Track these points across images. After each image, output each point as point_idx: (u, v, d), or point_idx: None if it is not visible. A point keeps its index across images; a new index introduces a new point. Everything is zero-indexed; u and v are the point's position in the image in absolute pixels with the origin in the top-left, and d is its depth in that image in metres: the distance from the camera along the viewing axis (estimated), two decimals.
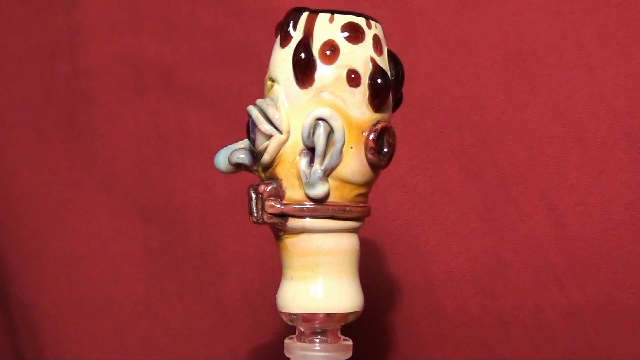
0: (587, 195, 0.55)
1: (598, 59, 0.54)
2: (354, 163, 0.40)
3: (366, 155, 0.40)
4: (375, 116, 0.40)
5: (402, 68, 0.41)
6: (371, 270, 0.59)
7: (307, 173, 0.39)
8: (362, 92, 0.39)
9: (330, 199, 0.40)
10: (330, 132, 0.39)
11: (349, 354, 0.42)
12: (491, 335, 0.57)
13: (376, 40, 0.40)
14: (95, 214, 0.66)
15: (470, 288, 0.57)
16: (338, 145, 0.39)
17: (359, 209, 0.41)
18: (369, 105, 0.39)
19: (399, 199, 0.59)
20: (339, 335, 0.42)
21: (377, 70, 0.39)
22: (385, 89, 0.39)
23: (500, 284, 0.57)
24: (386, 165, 0.41)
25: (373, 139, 0.39)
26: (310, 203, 0.40)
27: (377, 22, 0.41)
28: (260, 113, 0.39)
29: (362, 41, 0.39)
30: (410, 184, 0.59)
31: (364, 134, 0.39)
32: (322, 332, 0.42)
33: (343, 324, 0.42)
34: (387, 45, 0.41)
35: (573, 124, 0.55)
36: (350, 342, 0.42)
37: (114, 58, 0.65)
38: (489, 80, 0.57)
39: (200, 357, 0.64)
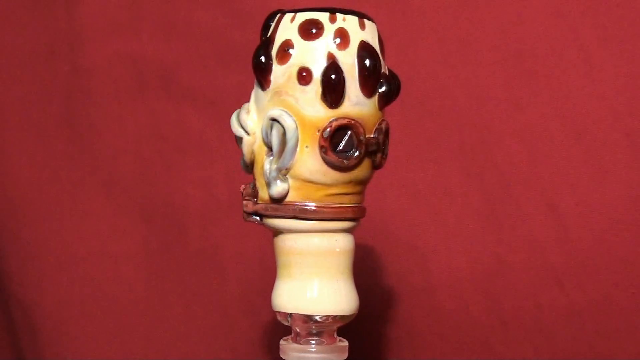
0: (587, 195, 0.55)
1: (598, 59, 0.54)
2: (310, 162, 0.39)
3: (320, 154, 0.39)
4: (332, 113, 0.39)
5: (379, 60, 0.39)
6: (371, 270, 0.59)
7: (267, 173, 0.40)
8: (315, 89, 0.39)
9: (292, 199, 0.40)
10: (285, 132, 0.39)
11: (345, 355, 0.42)
12: (491, 335, 0.57)
13: (340, 34, 0.39)
14: (95, 214, 0.66)
15: (470, 288, 0.57)
16: (289, 145, 0.39)
17: (327, 209, 0.40)
18: (322, 102, 0.39)
19: (399, 199, 0.59)
20: (335, 336, 0.42)
21: (329, 66, 0.38)
22: (338, 85, 0.38)
23: (500, 284, 0.57)
24: (354, 166, 0.39)
25: (324, 137, 0.39)
26: (273, 203, 0.40)
27: (355, 14, 0.40)
28: (236, 116, 0.41)
29: (319, 37, 0.39)
30: (410, 184, 0.59)
31: (318, 132, 0.39)
32: (318, 333, 0.41)
33: (339, 325, 0.42)
34: (373, 39, 0.40)
35: (573, 124, 0.55)
36: (345, 343, 0.42)
37: (114, 58, 0.65)
38: (489, 80, 0.57)
39: (200, 357, 0.64)
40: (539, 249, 0.56)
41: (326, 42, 0.39)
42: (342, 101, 0.39)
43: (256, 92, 0.40)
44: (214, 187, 0.63)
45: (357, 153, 0.39)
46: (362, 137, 0.39)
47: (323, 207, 0.40)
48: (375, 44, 0.40)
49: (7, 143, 0.68)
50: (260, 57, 0.39)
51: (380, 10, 0.58)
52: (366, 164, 0.40)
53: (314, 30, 0.39)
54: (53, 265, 0.66)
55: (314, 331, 0.41)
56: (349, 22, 0.39)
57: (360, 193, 0.41)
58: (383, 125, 0.40)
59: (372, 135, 0.40)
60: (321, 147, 0.39)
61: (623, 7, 0.54)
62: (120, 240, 0.65)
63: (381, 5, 0.58)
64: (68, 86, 0.67)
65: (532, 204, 0.56)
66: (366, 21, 0.40)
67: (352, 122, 0.39)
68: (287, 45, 0.39)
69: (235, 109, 0.41)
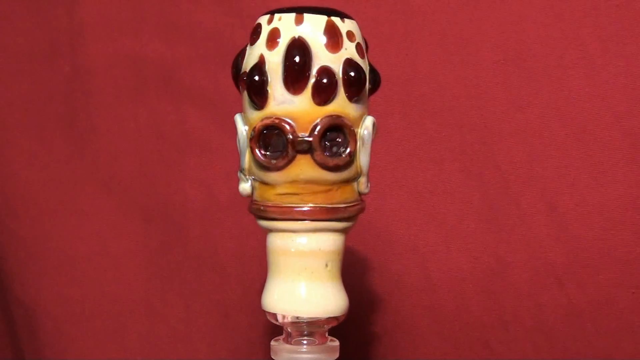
0: (587, 195, 0.55)
1: (598, 59, 0.54)
2: (254, 163, 0.40)
3: (250, 155, 0.40)
4: (260, 114, 0.39)
5: (309, 56, 0.38)
6: (371, 270, 0.59)
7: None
8: (247, 92, 0.39)
9: (255, 198, 0.41)
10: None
11: (336, 355, 0.42)
12: (491, 335, 0.57)
13: (273, 34, 0.39)
14: (95, 214, 0.66)
15: (470, 288, 0.57)
16: (241, 146, 0.40)
17: (275, 209, 0.40)
18: (251, 104, 0.39)
19: (399, 199, 0.59)
20: (326, 336, 0.42)
21: (252, 68, 0.39)
22: (260, 86, 0.38)
23: (500, 283, 0.57)
24: (284, 166, 0.39)
25: (250, 139, 0.39)
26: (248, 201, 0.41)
27: (294, 11, 0.39)
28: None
29: (257, 41, 0.39)
30: (410, 184, 0.59)
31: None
32: (310, 334, 0.41)
33: (331, 325, 0.42)
34: (313, 33, 0.38)
35: (573, 124, 0.55)
36: (336, 343, 0.42)
37: (114, 58, 0.65)
38: (489, 80, 0.57)
39: (200, 357, 0.64)
40: (539, 249, 0.56)
41: (260, 45, 0.39)
42: (268, 101, 0.39)
43: None
44: (214, 187, 0.63)
45: (283, 153, 0.39)
46: (289, 136, 0.39)
47: (273, 206, 0.40)
48: (314, 38, 0.39)
49: (7, 143, 0.68)
50: (233, 67, 0.41)
51: (380, 10, 0.58)
52: (305, 163, 0.39)
53: (254, 35, 0.40)
54: (53, 265, 0.66)
55: (305, 332, 0.41)
56: (284, 21, 0.39)
57: (318, 193, 0.40)
58: (321, 123, 0.39)
59: (305, 134, 0.39)
60: (250, 148, 0.39)
61: (623, 7, 0.54)
62: (120, 240, 0.65)
63: (381, 5, 0.59)
64: (68, 86, 0.67)
65: (532, 204, 0.56)
66: (307, 16, 0.39)
67: (277, 121, 0.39)
68: (243, 53, 0.40)
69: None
